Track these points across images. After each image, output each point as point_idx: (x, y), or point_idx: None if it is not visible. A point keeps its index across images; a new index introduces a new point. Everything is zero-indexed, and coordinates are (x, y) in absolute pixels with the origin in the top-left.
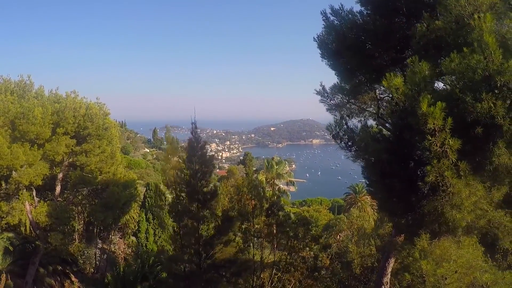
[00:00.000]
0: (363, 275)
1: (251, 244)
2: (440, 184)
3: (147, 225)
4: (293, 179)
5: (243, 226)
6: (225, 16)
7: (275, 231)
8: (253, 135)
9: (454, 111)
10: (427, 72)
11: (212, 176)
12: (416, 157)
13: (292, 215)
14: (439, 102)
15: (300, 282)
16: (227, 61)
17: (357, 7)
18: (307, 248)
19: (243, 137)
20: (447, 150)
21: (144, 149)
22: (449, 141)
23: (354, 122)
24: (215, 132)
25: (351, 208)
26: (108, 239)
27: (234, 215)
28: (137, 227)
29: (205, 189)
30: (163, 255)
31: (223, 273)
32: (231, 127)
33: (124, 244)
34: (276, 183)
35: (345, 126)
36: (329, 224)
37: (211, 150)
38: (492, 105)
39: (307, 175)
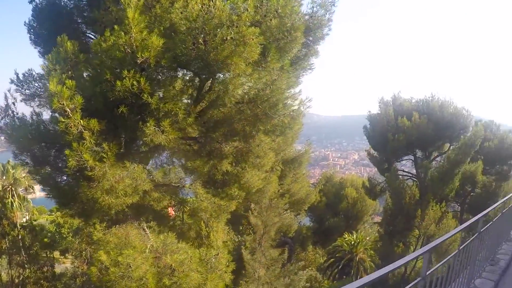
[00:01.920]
0: None
1: None
2: (88, 169)
3: None
4: (33, 184)
5: None
6: None
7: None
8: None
9: (97, 91)
10: (73, 51)
11: None
12: (62, 142)
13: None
14: (69, 80)
15: None
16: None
17: None
18: (40, 257)
19: None
20: (84, 132)
21: None
22: (80, 121)
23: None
24: None
25: None
26: None
27: None
28: None
29: None
30: None
31: None
32: None
33: None
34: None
35: (11, 114)
36: (79, 227)
37: None
38: (135, 82)
39: None
